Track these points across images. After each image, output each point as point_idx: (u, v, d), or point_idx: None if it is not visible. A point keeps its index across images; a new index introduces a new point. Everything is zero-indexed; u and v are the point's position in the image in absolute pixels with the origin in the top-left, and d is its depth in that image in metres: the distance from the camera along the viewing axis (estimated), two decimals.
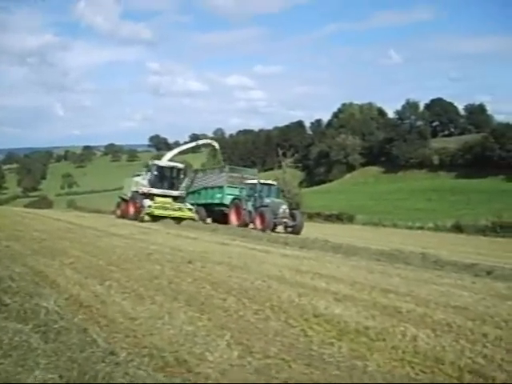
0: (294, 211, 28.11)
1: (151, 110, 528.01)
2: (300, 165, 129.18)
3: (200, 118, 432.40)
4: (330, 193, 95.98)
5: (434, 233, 38.59)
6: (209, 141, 42.52)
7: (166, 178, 30.99)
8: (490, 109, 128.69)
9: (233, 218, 28.66)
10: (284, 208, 26.86)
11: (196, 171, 37.51)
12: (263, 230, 24.64)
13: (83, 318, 6.24)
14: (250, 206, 27.48)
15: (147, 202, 28.45)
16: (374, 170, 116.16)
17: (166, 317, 6.43)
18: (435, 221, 43.70)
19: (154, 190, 29.93)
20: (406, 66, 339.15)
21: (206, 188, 32.73)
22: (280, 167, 62.70)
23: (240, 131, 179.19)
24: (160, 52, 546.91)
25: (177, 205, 29.84)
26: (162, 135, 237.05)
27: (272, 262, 12.66)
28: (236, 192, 29.93)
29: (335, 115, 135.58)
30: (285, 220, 26.57)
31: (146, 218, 28.05)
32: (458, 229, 38.88)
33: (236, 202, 28.79)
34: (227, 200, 29.93)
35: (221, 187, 31.08)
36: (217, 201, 31.15)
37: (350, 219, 48.23)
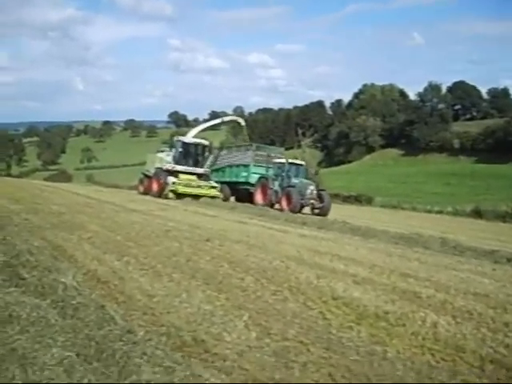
0: (322, 192, 26.63)
1: (171, 87, 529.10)
2: (319, 145, 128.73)
3: (220, 95, 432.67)
4: (349, 174, 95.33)
5: (452, 217, 38.25)
6: (234, 117, 41.15)
7: (190, 154, 30.40)
8: None
9: (258, 197, 27.79)
10: (312, 189, 25.83)
11: (220, 148, 36.73)
12: (290, 211, 23.85)
13: (101, 293, 6.22)
14: (276, 185, 26.65)
15: (171, 179, 27.98)
16: (394, 152, 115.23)
17: (183, 295, 6.39)
18: (454, 205, 43.30)
19: (179, 167, 29.32)
20: (429, 48, 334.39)
21: (230, 166, 32.05)
22: (299, 147, 62.15)
23: (260, 110, 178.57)
24: (181, 29, 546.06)
25: (201, 182, 29.26)
26: (182, 112, 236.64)
27: (290, 242, 12.62)
28: (262, 171, 29.19)
29: (356, 96, 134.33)
30: (312, 201, 25.63)
31: (170, 195, 27.70)
32: (477, 214, 38.41)
33: (262, 181, 27.84)
34: (253, 179, 29.20)
35: (247, 165, 30.34)
36: (242, 179, 30.43)
37: (369, 201, 47.85)
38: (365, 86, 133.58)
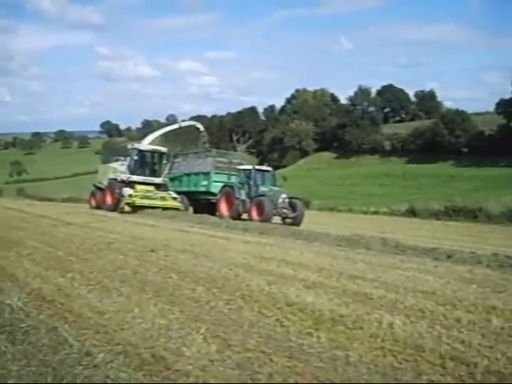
0: (294, 200, 24.73)
1: (102, 96, 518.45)
2: (254, 150, 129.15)
3: (152, 103, 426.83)
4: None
5: (388, 217, 39.18)
6: (193, 122, 38.39)
7: (147, 163, 28.36)
8: (438, 95, 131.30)
9: (223, 207, 25.73)
10: (284, 197, 24.08)
11: (175, 155, 33.27)
12: (262, 221, 21.91)
13: (49, 314, 5.88)
14: (243, 194, 24.82)
15: (127, 191, 25.79)
16: (327, 155, 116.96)
17: (135, 310, 6.15)
18: (389, 205, 44.38)
19: (135, 177, 27.17)
20: (357, 52, 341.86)
21: (188, 174, 29.80)
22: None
23: (193, 117, 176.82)
24: (109, 37, 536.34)
25: (160, 193, 27.17)
26: (114, 121, 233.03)
27: (235, 249, 12.55)
28: (224, 179, 27.00)
29: (288, 101, 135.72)
30: (284, 210, 23.82)
31: (127, 208, 25.27)
32: (411, 213, 39.54)
33: (227, 190, 25.75)
34: (215, 188, 27.23)
35: (207, 173, 28.18)
36: (202, 188, 28.37)
37: (306, 205, 48.05)
38: (297, 90, 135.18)
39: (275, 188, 25.05)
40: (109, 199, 27.34)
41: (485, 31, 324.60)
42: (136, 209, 24.96)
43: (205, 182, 28.21)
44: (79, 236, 13.98)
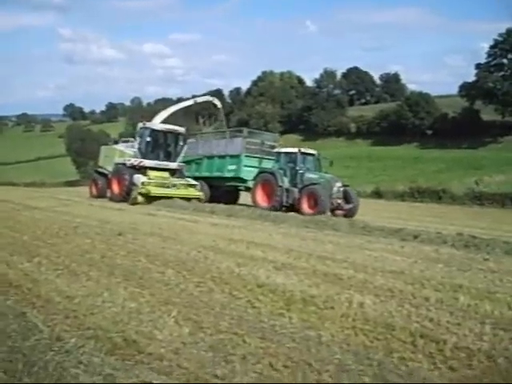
0: (348, 189, 21.21)
1: (65, 79, 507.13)
2: None
3: (116, 86, 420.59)
4: None
5: None
6: (210, 98, 32.98)
7: (161, 145, 24.49)
8: (403, 78, 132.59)
9: (259, 197, 21.76)
10: (339, 186, 20.60)
11: (191, 135, 28.21)
12: (315, 214, 18.39)
13: (16, 299, 5.79)
14: (286, 182, 21.14)
15: (140, 178, 21.92)
16: (294, 137, 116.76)
17: (105, 294, 6.07)
18: (355, 187, 44.58)
19: (147, 162, 23.24)
20: (323, 35, 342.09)
21: (209, 157, 25.76)
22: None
23: (158, 100, 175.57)
24: (72, 18, 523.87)
25: (177, 181, 23.31)
26: (78, 104, 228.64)
27: (203, 232, 12.55)
28: (254, 163, 23.41)
29: (254, 83, 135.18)
30: (339, 201, 20.36)
31: (140, 198, 21.17)
32: (377, 194, 40.05)
33: (266, 177, 21.62)
34: (245, 173, 23.66)
35: (236, 156, 24.27)
36: (229, 174, 24.48)
37: None
38: (264, 73, 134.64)
39: (327, 175, 21.36)
40: (116, 188, 23.44)
41: (448, 15, 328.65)
42: (150, 199, 21.31)
43: (233, 167, 24.41)
44: (44, 220, 13.75)
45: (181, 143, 24.45)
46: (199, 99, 32.86)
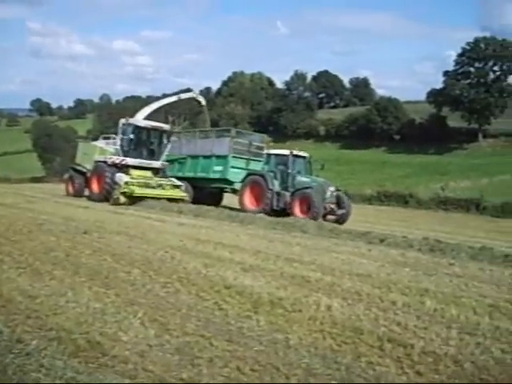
0: (340, 194, 20.66)
1: (33, 73, 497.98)
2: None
3: (85, 82, 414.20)
4: None
5: None
6: (194, 95, 31.66)
7: (144, 143, 23.48)
8: (372, 83, 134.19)
9: (247, 200, 21.17)
10: (332, 190, 19.98)
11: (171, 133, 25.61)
12: (308, 219, 17.83)
13: None
14: (277, 185, 20.52)
15: (123, 178, 20.82)
16: None
17: (69, 293, 5.92)
18: None
19: (130, 160, 22.26)
20: (294, 37, 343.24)
21: (194, 157, 24.67)
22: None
23: (127, 97, 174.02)
24: (42, 12, 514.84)
25: (160, 180, 22.39)
26: (45, 99, 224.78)
27: (171, 232, 12.48)
28: (242, 164, 22.89)
29: (225, 83, 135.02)
30: (332, 206, 19.78)
31: (122, 199, 20.19)
32: None
33: (255, 180, 21.02)
34: (232, 175, 22.76)
35: (222, 157, 23.25)
36: (215, 175, 23.48)
37: None
38: (234, 73, 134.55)
39: (320, 179, 20.77)
40: (96, 187, 22.37)
41: (419, 22, 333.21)
42: (134, 200, 20.36)
43: (219, 168, 23.38)
44: (7, 216, 13.43)
45: (165, 141, 23.62)
46: (183, 95, 31.73)
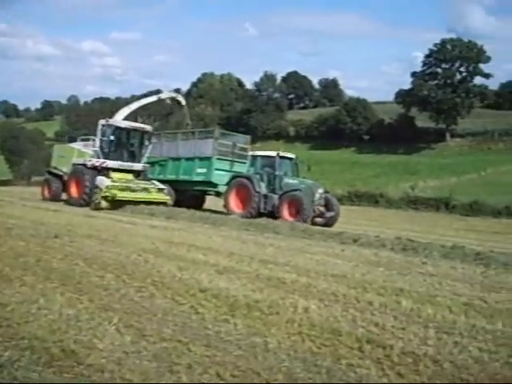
0: (329, 196, 20.39)
1: None
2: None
3: (52, 83, 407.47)
4: None
5: None
6: (173, 94, 31.48)
7: (125, 144, 22.67)
8: (341, 84, 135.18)
9: (233, 203, 20.58)
10: (321, 192, 19.66)
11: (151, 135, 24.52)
12: (298, 222, 17.57)
13: None
14: (263, 188, 20.00)
15: (104, 181, 20.05)
16: None
17: (40, 300, 5.73)
18: None
19: (111, 163, 21.47)
20: (262, 39, 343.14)
21: (175, 159, 23.93)
22: None
23: (96, 99, 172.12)
24: (7, 12, 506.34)
25: (142, 183, 21.60)
26: (12, 101, 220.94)
27: (143, 234, 12.36)
28: (226, 166, 22.35)
29: (194, 85, 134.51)
30: (321, 209, 19.42)
31: (104, 203, 19.50)
32: None
33: (241, 182, 20.41)
34: (216, 177, 22.09)
35: (206, 159, 22.50)
36: (198, 178, 22.70)
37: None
38: (204, 75, 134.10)
39: (308, 180, 20.36)
40: (74, 191, 21.56)
41: (386, 23, 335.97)
42: (115, 204, 19.70)
43: (202, 170, 22.65)
44: None
45: (146, 142, 22.87)
46: (163, 95, 31.05)
